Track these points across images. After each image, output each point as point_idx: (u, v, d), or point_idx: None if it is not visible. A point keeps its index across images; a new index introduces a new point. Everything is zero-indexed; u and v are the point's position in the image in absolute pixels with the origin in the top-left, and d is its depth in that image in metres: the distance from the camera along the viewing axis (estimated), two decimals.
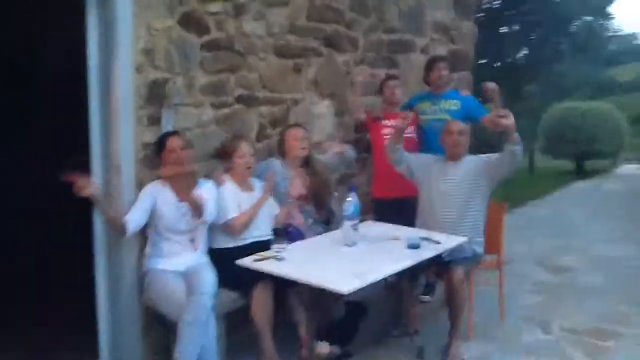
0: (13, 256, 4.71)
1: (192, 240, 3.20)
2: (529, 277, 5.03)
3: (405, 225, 3.78)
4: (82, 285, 3.31)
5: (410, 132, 4.22)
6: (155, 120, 3.24)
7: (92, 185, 2.88)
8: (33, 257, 4.89)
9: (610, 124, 12.41)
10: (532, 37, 13.23)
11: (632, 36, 32.34)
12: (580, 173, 12.18)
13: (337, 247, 3.24)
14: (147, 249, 3.18)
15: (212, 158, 3.58)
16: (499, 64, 13.29)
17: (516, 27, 13.48)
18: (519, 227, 6.56)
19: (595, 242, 6.29)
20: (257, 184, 3.59)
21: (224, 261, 3.26)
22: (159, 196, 3.13)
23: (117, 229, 3.00)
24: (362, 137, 4.69)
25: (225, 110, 3.69)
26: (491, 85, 4.07)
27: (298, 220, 3.72)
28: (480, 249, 3.77)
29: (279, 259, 3.00)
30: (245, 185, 3.51)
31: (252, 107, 3.87)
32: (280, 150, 3.86)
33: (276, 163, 3.80)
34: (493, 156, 3.73)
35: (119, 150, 3.07)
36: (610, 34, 14.55)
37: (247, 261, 3.01)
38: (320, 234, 3.68)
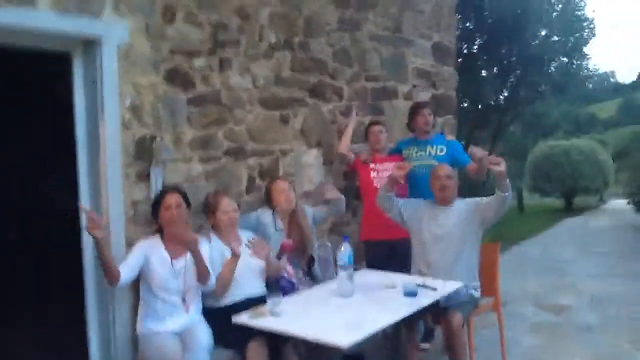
0: None
1: (184, 301, 3.12)
2: (527, 317, 4.98)
3: (397, 267, 3.76)
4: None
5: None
6: (144, 177, 3.22)
7: (102, 225, 2.81)
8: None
9: (593, 160, 12.60)
10: (511, 79, 13.53)
11: (609, 74, 33.34)
12: (569, 210, 12.26)
13: (333, 298, 3.18)
14: (140, 310, 3.10)
15: (199, 213, 3.55)
16: (480, 106, 13.54)
17: (495, 70, 13.79)
18: (511, 267, 6.55)
19: (586, 278, 6.36)
20: (246, 237, 3.55)
21: (217, 319, 3.19)
22: (152, 253, 3.08)
23: (110, 275, 2.89)
24: (350, 184, 4.70)
25: (214, 164, 3.68)
26: (479, 153, 3.90)
27: (290, 272, 3.67)
28: (476, 293, 3.73)
29: (275, 315, 2.93)
30: (232, 240, 3.46)
31: (240, 159, 3.87)
32: (268, 203, 3.86)
33: (266, 215, 3.78)
34: (483, 200, 3.73)
35: (108, 208, 3.03)
36: (587, 73, 14.91)
37: (242, 318, 2.94)
38: (309, 284, 3.65)
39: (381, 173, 4.30)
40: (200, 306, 3.24)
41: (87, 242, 3.08)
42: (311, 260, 3.88)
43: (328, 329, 2.69)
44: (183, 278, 3.10)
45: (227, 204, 3.43)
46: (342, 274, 3.18)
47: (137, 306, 3.13)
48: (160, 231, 3.17)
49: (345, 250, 3.19)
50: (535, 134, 14.52)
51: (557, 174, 12.43)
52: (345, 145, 4.34)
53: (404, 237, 4.01)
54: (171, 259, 3.09)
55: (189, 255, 3.09)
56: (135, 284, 3.10)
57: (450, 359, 3.44)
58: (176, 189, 3.21)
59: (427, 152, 4.31)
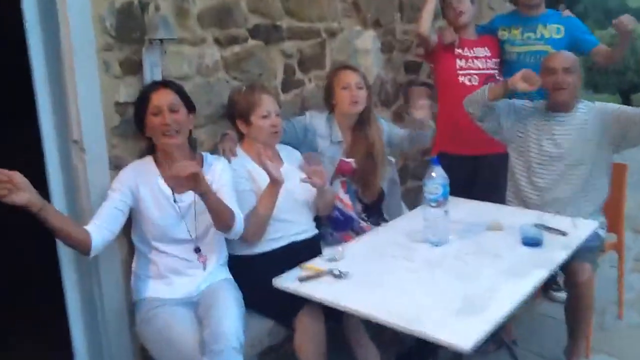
0: None
1: (198, 251, 2.11)
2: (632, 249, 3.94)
3: (480, 195, 2.76)
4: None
5: (490, 68, 3.10)
6: (133, 67, 2.12)
7: (19, 184, 1.62)
8: None
9: None
10: None
11: None
12: None
13: (418, 247, 2.17)
14: (135, 268, 2.12)
15: (219, 120, 2.47)
16: None
17: None
18: None
19: None
20: (287, 155, 2.49)
21: (250, 275, 2.21)
22: (143, 185, 2.04)
23: (78, 247, 1.88)
24: (414, 80, 3.56)
25: (236, 49, 2.54)
26: (626, 21, 2.74)
27: (346, 203, 2.64)
28: (602, 232, 2.69)
29: (338, 276, 1.93)
30: (271, 159, 2.41)
31: (273, 42, 2.72)
32: (328, 102, 2.73)
33: (319, 120, 2.70)
34: (626, 109, 2.60)
35: (79, 117, 1.96)
36: None
37: (288, 283, 1.95)
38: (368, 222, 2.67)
39: (470, 62, 3.11)
40: (225, 256, 2.25)
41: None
42: (381, 196, 2.82)
43: (429, 309, 1.70)
44: (193, 219, 2.08)
45: (268, 105, 2.34)
46: (433, 211, 2.15)
47: (130, 260, 2.14)
48: (152, 150, 2.12)
49: (438, 178, 2.13)
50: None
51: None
52: (426, 25, 3.05)
53: (495, 152, 2.95)
54: (173, 192, 2.06)
55: None
56: (127, 228, 2.09)
57: (572, 321, 2.49)
58: (168, 83, 2.11)
59: (538, 34, 3.07)
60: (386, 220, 2.74)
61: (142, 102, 2.05)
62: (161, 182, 2.05)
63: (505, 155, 2.86)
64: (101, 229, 1.90)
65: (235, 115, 2.37)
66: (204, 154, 2.21)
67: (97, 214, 1.93)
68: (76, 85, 1.93)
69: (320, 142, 2.65)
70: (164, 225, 2.03)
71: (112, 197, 1.97)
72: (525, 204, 2.73)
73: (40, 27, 1.93)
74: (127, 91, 2.10)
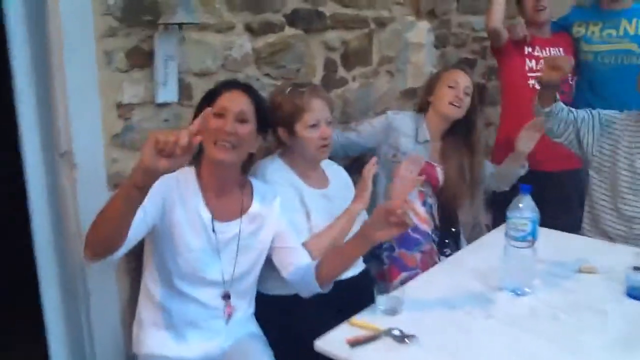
0: None
1: (227, 298, 1.65)
2: None
3: (547, 222, 2.26)
4: None
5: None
6: (142, 59, 1.67)
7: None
8: None
9: None
10: None
11: None
12: None
13: (496, 296, 1.70)
14: (139, 310, 1.65)
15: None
16: None
17: None
18: None
19: None
20: (332, 173, 2.03)
21: (279, 322, 1.76)
22: (179, 202, 1.57)
23: (118, 241, 1.37)
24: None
25: (271, 38, 2.08)
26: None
27: (422, 217, 2.20)
28: None
29: (400, 339, 1.47)
30: (314, 177, 1.95)
31: (314, 32, 2.25)
32: (423, 99, 2.38)
33: (408, 118, 2.32)
34: None
35: (68, 122, 1.51)
36: None
37: (335, 347, 1.48)
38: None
39: (540, 63, 2.62)
40: (253, 305, 1.78)
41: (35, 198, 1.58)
42: (454, 222, 2.38)
43: None
44: (233, 257, 1.63)
45: (318, 111, 1.85)
46: (519, 253, 1.67)
47: (133, 301, 1.69)
48: (196, 160, 1.63)
49: (527, 210, 1.66)
50: None
51: None
52: (496, 16, 2.58)
53: (567, 168, 2.50)
54: (214, 217, 1.60)
55: (252, 214, 1.66)
56: (133, 259, 1.64)
57: None
58: (249, 89, 1.65)
59: (621, 31, 2.58)
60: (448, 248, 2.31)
61: (209, 96, 1.60)
62: (201, 202, 1.59)
63: (578, 172, 2.38)
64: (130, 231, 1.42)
65: (277, 121, 1.90)
66: (253, 180, 1.75)
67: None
68: (66, 82, 1.48)
69: (403, 141, 2.25)
70: (194, 259, 1.57)
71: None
72: (606, 235, 2.24)
73: (23, 7, 1.48)
74: (133, 90, 1.65)
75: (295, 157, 1.90)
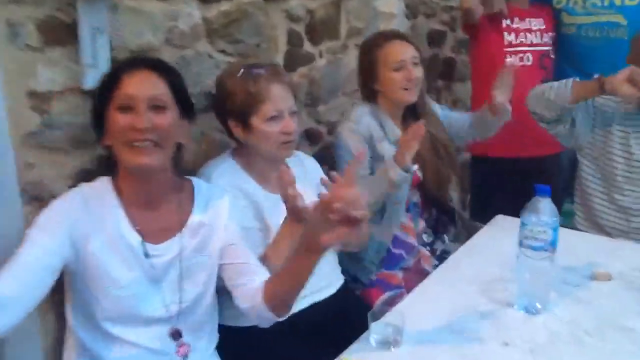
0: None
1: (177, 336, 1.29)
2: None
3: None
4: None
5: (545, 44, 2.41)
6: (62, 33, 1.27)
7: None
8: None
9: None
10: None
11: None
12: None
13: (507, 314, 1.43)
14: (67, 358, 1.29)
15: (199, 116, 1.65)
16: None
17: None
18: None
19: None
20: (298, 167, 1.67)
21: (253, 356, 1.44)
22: (91, 228, 1.20)
23: None
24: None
25: (224, 6, 1.71)
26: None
27: (408, 226, 1.92)
28: None
29: None
30: (276, 180, 1.60)
31: None
32: (367, 87, 1.95)
33: (368, 121, 1.89)
34: None
35: None
36: None
37: None
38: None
39: (521, 36, 2.41)
40: (216, 337, 1.43)
41: None
42: (448, 212, 2.08)
43: None
44: (176, 285, 1.28)
45: (279, 100, 1.50)
46: (537, 265, 1.41)
47: (59, 350, 1.32)
48: (111, 168, 1.27)
49: (546, 215, 1.40)
50: None
51: None
52: None
53: (549, 153, 2.40)
54: (144, 238, 1.24)
55: (193, 225, 1.30)
56: (59, 289, 1.26)
57: None
58: (156, 64, 1.26)
59: (606, 0, 2.35)
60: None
61: (107, 85, 1.21)
62: (124, 223, 1.23)
63: (561, 155, 2.18)
64: (12, 296, 1.07)
65: (227, 113, 1.54)
66: (194, 180, 1.39)
67: (4, 269, 1.08)
68: None
69: (379, 147, 1.87)
70: (127, 297, 1.22)
71: (36, 241, 1.12)
72: (602, 230, 2.03)
73: None
74: (50, 74, 1.26)
75: (252, 157, 1.55)
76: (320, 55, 2.11)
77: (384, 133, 1.89)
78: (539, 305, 1.43)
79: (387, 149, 1.86)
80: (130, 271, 1.21)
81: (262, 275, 1.29)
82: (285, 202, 1.33)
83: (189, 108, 1.29)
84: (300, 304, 1.53)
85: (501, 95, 1.90)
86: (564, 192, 2.48)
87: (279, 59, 1.93)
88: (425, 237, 2.00)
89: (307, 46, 2.04)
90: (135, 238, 1.22)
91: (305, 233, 1.11)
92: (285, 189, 1.31)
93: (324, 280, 1.61)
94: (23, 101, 1.22)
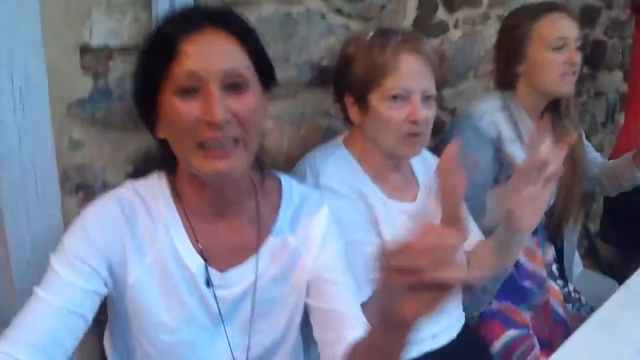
0: None
1: None
2: None
3: None
4: None
5: None
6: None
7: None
8: None
9: None
10: None
11: None
12: None
13: None
14: None
15: (306, 90, 1.28)
16: None
17: None
18: None
19: None
20: (422, 171, 1.28)
21: None
22: (134, 247, 0.84)
23: None
24: None
25: None
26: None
27: (534, 253, 1.52)
28: None
29: None
30: (396, 182, 1.22)
31: None
32: (510, 68, 1.49)
33: (494, 115, 1.46)
34: None
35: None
36: None
37: None
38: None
39: None
40: None
41: None
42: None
43: None
44: (247, 326, 0.91)
45: (410, 76, 1.11)
46: None
47: None
48: (168, 165, 0.89)
49: None
50: None
51: None
52: None
53: None
54: (207, 265, 0.87)
55: (275, 245, 0.93)
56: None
57: None
58: (228, 20, 0.82)
59: None
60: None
61: (156, 58, 0.80)
62: (182, 240, 0.88)
63: None
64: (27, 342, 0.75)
65: (346, 85, 1.17)
66: (283, 179, 1.00)
67: (20, 320, 0.77)
68: None
69: (509, 149, 1.44)
70: (179, 342, 0.88)
71: (64, 276, 0.80)
72: None
73: None
74: (110, 23, 0.92)
75: (368, 148, 1.18)
76: (455, 26, 1.68)
77: (517, 133, 1.46)
78: None
79: (519, 154, 1.43)
80: (184, 307, 0.87)
81: (355, 329, 0.87)
82: None
83: (270, 78, 0.88)
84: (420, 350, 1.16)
85: None
86: None
87: (406, 26, 1.52)
88: (554, 268, 1.57)
89: (441, 13, 1.61)
90: (196, 261, 0.87)
91: (381, 305, 0.65)
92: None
93: (445, 321, 1.22)
94: (71, 59, 0.89)
